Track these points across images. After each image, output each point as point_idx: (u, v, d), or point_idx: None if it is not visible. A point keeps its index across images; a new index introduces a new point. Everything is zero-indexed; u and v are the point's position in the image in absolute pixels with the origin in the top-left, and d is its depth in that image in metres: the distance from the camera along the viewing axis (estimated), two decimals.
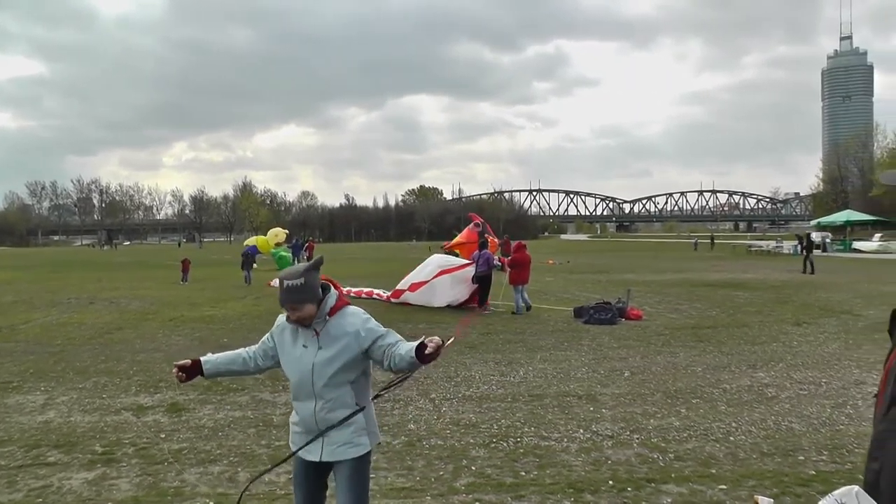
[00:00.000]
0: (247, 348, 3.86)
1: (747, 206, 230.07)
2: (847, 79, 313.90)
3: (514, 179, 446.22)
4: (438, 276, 17.92)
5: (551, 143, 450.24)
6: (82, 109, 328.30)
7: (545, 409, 7.87)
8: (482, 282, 17.51)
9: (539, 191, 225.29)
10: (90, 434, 7.06)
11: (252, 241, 41.36)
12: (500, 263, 18.42)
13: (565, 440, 6.66)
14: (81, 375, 10.10)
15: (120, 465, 6.09)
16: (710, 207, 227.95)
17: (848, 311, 16.48)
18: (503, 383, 9.24)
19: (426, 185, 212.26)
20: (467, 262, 18.10)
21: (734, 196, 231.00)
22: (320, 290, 3.53)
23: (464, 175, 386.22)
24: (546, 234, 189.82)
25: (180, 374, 3.70)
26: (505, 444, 6.54)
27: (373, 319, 3.63)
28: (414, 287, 18.29)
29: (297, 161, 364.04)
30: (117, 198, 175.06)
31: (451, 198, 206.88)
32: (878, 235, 56.25)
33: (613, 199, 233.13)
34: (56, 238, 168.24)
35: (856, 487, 1.54)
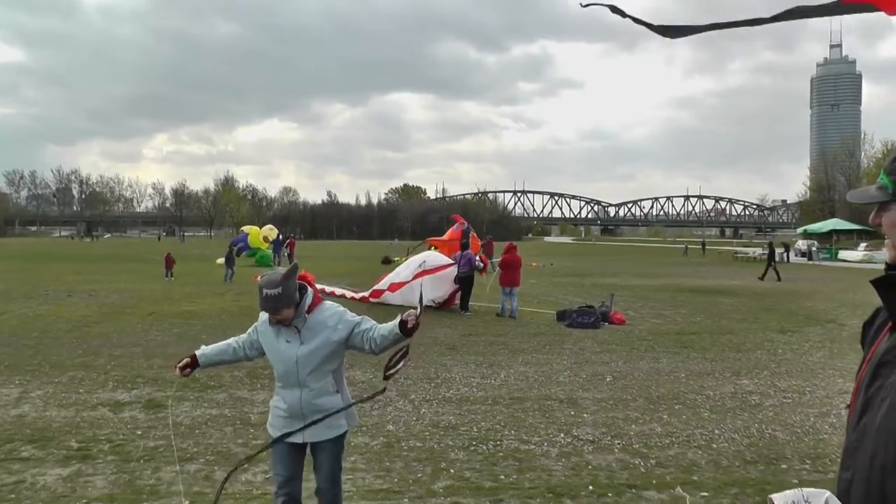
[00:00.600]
0: (236, 338, 4.25)
1: (734, 213, 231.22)
2: (836, 87, 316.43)
3: (499, 180, 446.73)
4: (419, 276, 17.85)
5: (536, 145, 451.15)
6: (63, 98, 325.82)
7: (526, 412, 7.89)
8: (463, 283, 17.49)
9: (524, 192, 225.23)
10: (65, 429, 7.01)
11: (248, 229, 41.47)
12: (481, 264, 18.40)
13: (545, 444, 6.68)
14: (58, 369, 10.03)
15: (95, 461, 6.06)
16: (696, 213, 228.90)
17: (833, 320, 16.63)
18: (484, 385, 9.26)
19: (410, 184, 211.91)
20: (450, 262, 18.04)
21: (721, 202, 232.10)
22: (297, 293, 3.91)
23: (448, 175, 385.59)
24: (530, 235, 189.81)
25: (186, 370, 4.11)
26: (484, 447, 6.55)
27: (348, 311, 4.05)
28: (394, 287, 18.17)
29: (279, 156, 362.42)
30: (97, 189, 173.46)
31: (434, 197, 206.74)
32: (863, 245, 56.62)
33: (599, 202, 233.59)
34: (34, 229, 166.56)
35: (828, 493, 1.57)
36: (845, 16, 2.13)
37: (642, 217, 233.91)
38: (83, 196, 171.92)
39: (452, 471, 5.91)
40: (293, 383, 3.94)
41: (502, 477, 5.78)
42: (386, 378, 3.95)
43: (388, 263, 19.74)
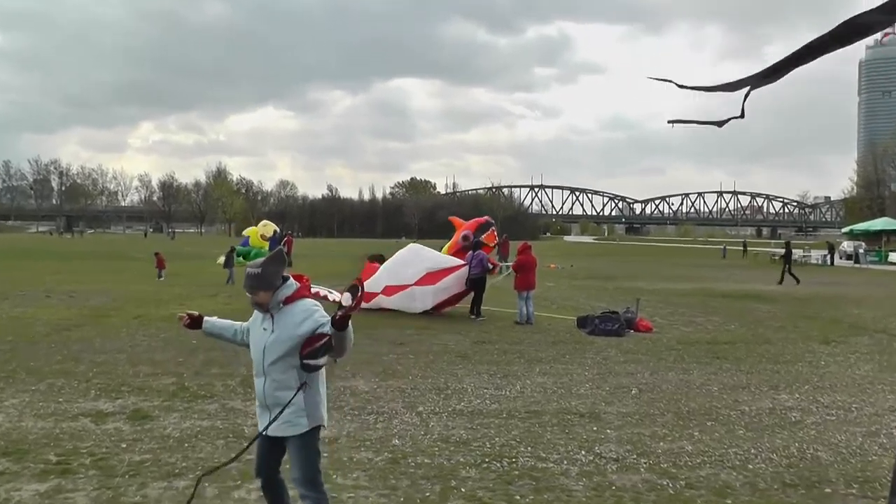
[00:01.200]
0: (241, 322, 4.87)
1: (771, 210, 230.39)
2: (888, 72, 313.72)
3: (513, 173, 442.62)
4: (423, 282, 17.45)
5: (554, 135, 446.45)
6: (41, 83, 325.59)
7: (543, 427, 7.89)
8: (475, 286, 17.41)
9: (541, 187, 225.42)
10: (43, 441, 7.05)
11: (249, 231, 41.98)
12: (491, 265, 18.28)
13: (565, 462, 6.68)
14: (34, 376, 10.08)
15: (76, 476, 6.09)
16: (730, 210, 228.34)
17: (882, 330, 16.53)
18: (498, 397, 9.26)
19: (417, 178, 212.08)
20: (458, 263, 17.76)
21: (757, 199, 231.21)
22: (279, 280, 4.42)
23: (457, 167, 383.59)
24: (548, 234, 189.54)
25: (186, 318, 4.78)
26: (498, 465, 6.56)
27: (320, 311, 4.42)
28: (390, 290, 17.49)
29: (274, 147, 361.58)
30: (79, 181, 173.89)
31: (444, 192, 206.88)
32: None
33: (623, 199, 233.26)
34: (9, 223, 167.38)
35: None
36: None
37: (671, 215, 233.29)
38: (63, 188, 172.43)
39: (463, 490, 5.92)
40: (259, 371, 4.46)
41: (518, 497, 5.79)
42: (302, 364, 4.32)
43: (379, 262, 19.27)
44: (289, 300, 4.40)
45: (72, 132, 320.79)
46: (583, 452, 6.99)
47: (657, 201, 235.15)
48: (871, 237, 59.15)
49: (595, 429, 7.86)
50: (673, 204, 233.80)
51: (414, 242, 21.48)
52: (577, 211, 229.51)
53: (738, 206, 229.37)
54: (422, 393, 9.38)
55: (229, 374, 9.97)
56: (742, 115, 2.70)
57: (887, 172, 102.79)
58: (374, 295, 17.24)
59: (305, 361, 4.29)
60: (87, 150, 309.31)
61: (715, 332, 15.62)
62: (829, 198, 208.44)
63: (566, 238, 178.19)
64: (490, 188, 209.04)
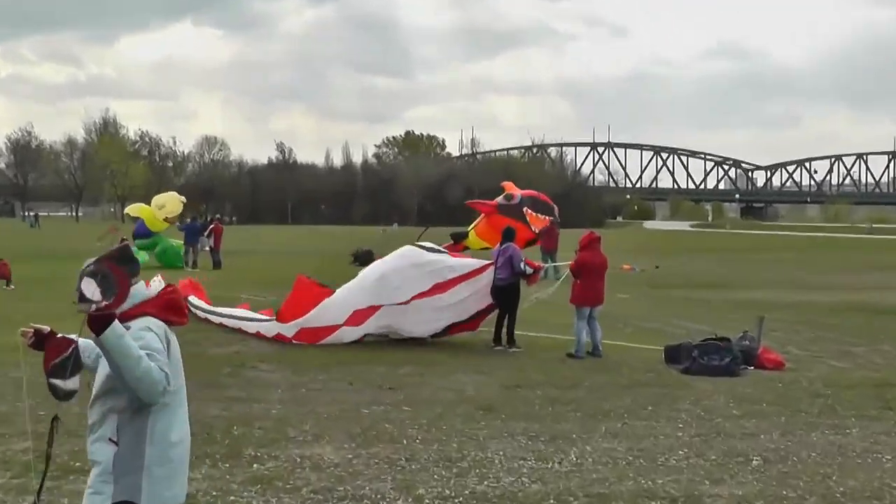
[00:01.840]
0: None
1: None
2: None
3: (565, 126, 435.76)
4: (433, 291, 16.96)
5: (628, 68, 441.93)
6: None
7: None
8: (504, 297, 17.25)
9: (608, 145, 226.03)
10: None
11: (135, 210, 41.15)
12: (530, 269, 17.53)
13: None
14: None
15: None
16: None
17: None
18: (542, 474, 9.22)
19: (416, 132, 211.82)
20: (480, 265, 17.42)
21: None
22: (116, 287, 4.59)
23: (477, 117, 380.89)
24: (619, 218, 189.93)
25: (30, 333, 4.87)
26: None
27: (157, 335, 4.55)
28: (362, 315, 16.94)
29: (195, 85, 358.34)
30: None
31: (458, 154, 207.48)
32: None
33: (737, 164, 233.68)
34: None
35: None
36: None
37: (812, 188, 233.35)
38: None
39: None
40: None
41: None
42: (49, 382, 4.52)
43: (367, 262, 19.17)
44: (127, 315, 4.53)
45: None
46: None
47: (790, 167, 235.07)
48: None
49: None
50: (816, 171, 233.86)
51: (412, 240, 20.79)
52: (665, 183, 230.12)
53: None
54: (423, 466, 9.34)
55: None
56: None
57: None
58: (332, 329, 17.04)
59: (50, 381, 4.45)
60: None
61: (885, 370, 15.68)
62: None
63: (647, 224, 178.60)
64: (529, 147, 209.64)
